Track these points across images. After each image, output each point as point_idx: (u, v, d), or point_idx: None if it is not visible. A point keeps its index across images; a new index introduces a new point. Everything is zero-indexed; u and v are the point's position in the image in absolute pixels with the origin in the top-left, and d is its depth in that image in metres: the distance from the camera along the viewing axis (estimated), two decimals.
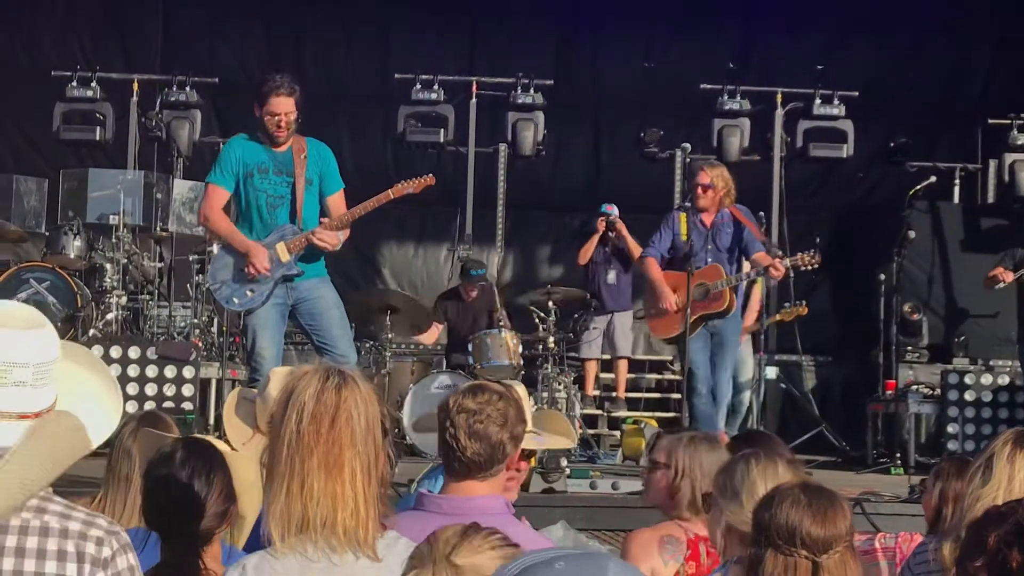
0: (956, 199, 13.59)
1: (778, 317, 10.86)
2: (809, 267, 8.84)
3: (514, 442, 3.18)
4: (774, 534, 2.64)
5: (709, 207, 8.77)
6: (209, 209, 7.47)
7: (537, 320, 10.72)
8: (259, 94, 7.35)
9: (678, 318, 8.64)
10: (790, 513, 2.64)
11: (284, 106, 7.32)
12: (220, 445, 3.51)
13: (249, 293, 7.31)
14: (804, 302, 10.89)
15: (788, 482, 2.87)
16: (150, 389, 9.30)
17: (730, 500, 3.26)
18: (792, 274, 9.28)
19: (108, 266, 10.76)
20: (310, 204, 7.43)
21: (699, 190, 8.76)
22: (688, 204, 9.07)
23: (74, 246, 10.90)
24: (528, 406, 3.56)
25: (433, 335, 11.18)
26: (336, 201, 7.51)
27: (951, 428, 10.44)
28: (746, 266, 8.92)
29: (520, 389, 3.65)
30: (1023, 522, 1.59)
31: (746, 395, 10.56)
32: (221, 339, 10.61)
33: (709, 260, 8.72)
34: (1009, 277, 9.44)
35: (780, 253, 9.70)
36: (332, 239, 7.39)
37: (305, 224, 7.37)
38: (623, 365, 11.94)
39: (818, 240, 9.91)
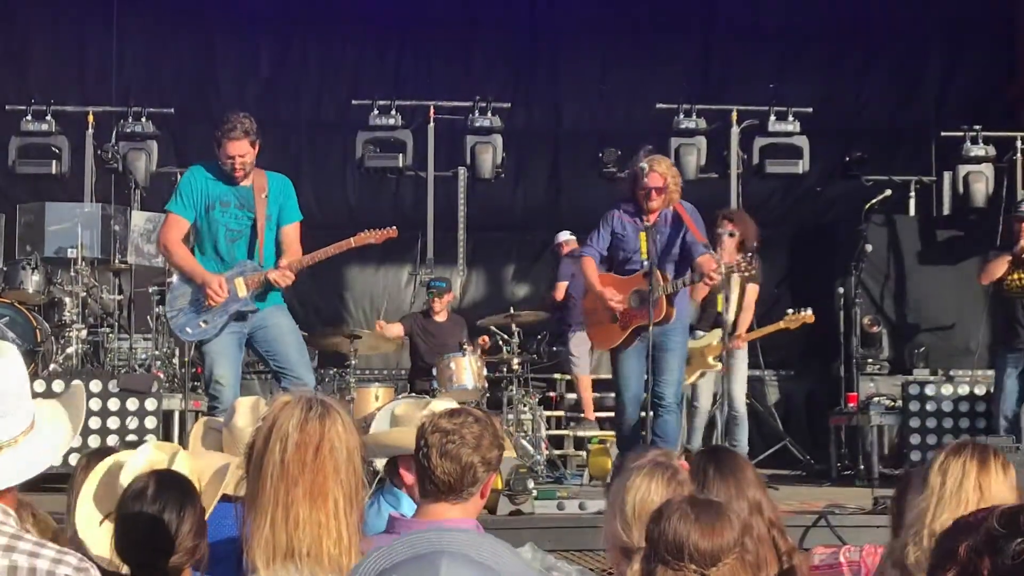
0: (912, 211, 13.71)
1: (782, 324, 10.34)
2: (746, 273, 8.36)
3: (486, 466, 3.18)
4: (663, 549, 2.63)
5: (659, 208, 8.03)
6: (168, 240, 7.51)
7: (501, 343, 10.77)
8: (215, 137, 7.41)
9: (617, 328, 8.06)
10: (678, 527, 2.63)
11: (238, 148, 7.40)
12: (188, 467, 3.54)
13: (203, 324, 7.37)
14: (810, 309, 10.33)
15: (677, 496, 2.86)
16: (112, 423, 9.25)
17: (607, 513, 3.29)
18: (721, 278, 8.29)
19: (67, 300, 10.70)
20: (269, 242, 7.52)
21: (653, 193, 7.98)
22: (629, 206, 8.16)
23: (32, 281, 10.82)
24: None
25: (396, 329, 10.99)
26: (290, 232, 7.56)
27: (913, 439, 10.51)
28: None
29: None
30: (993, 531, 1.57)
31: (742, 407, 10.14)
32: (183, 370, 10.57)
33: (645, 263, 7.97)
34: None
35: (713, 254, 9.45)
36: (286, 281, 7.44)
37: (265, 262, 7.44)
38: (586, 382, 11.90)
39: (756, 245, 9.52)
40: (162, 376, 10.17)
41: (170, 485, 3.16)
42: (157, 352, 10.77)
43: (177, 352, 10.88)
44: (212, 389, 7.33)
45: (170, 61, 14.38)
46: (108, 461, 3.38)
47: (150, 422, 9.34)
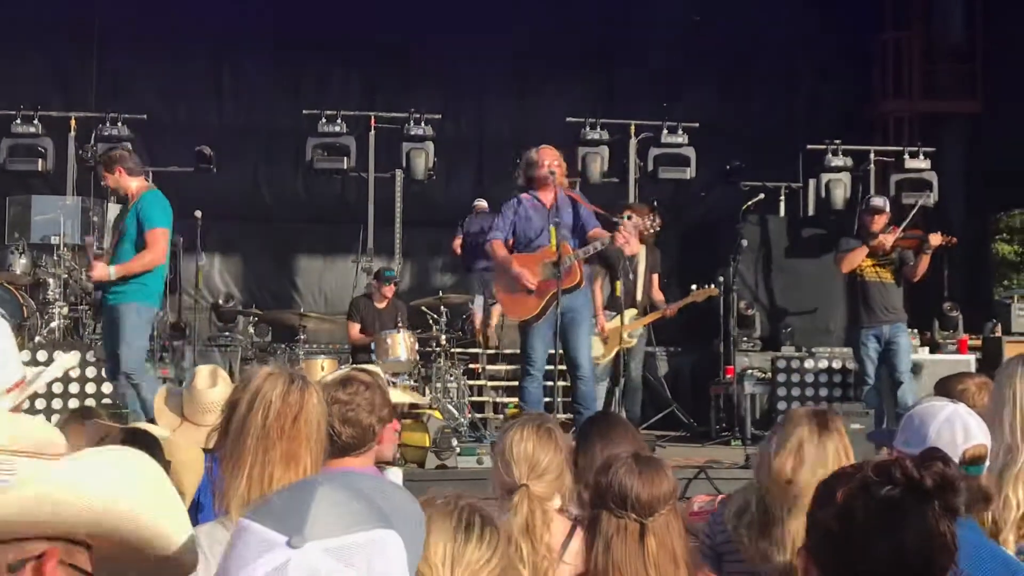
0: (782, 213, 13.87)
1: (691, 298, 10.27)
2: (652, 230, 8.09)
3: (381, 422, 3.19)
4: (608, 498, 2.62)
5: (554, 188, 7.66)
6: None
7: (431, 321, 10.76)
8: None
9: (532, 299, 7.60)
10: (623, 479, 2.62)
11: (105, 180, 7.74)
12: (160, 431, 3.50)
13: None
14: (713, 284, 10.32)
15: (623, 451, 2.86)
16: (90, 388, 9.17)
17: (493, 460, 3.31)
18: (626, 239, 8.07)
19: (51, 281, 10.54)
20: (119, 248, 7.61)
21: (559, 169, 7.69)
22: (530, 191, 7.82)
23: (20, 263, 10.66)
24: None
25: (355, 332, 10.94)
26: (146, 236, 7.53)
27: (780, 405, 10.66)
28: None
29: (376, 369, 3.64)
30: (867, 479, 1.59)
31: (639, 379, 10.21)
32: (152, 343, 10.43)
33: (550, 239, 7.60)
34: (888, 240, 9.13)
35: (621, 221, 9.44)
36: (95, 275, 7.63)
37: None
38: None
39: (655, 203, 9.63)
40: None
41: (135, 439, 3.13)
42: None
43: None
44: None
45: (144, 74, 14.16)
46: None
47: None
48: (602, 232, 7.70)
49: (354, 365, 9.88)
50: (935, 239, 8.97)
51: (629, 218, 8.54)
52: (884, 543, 1.58)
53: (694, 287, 10.29)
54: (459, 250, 12.89)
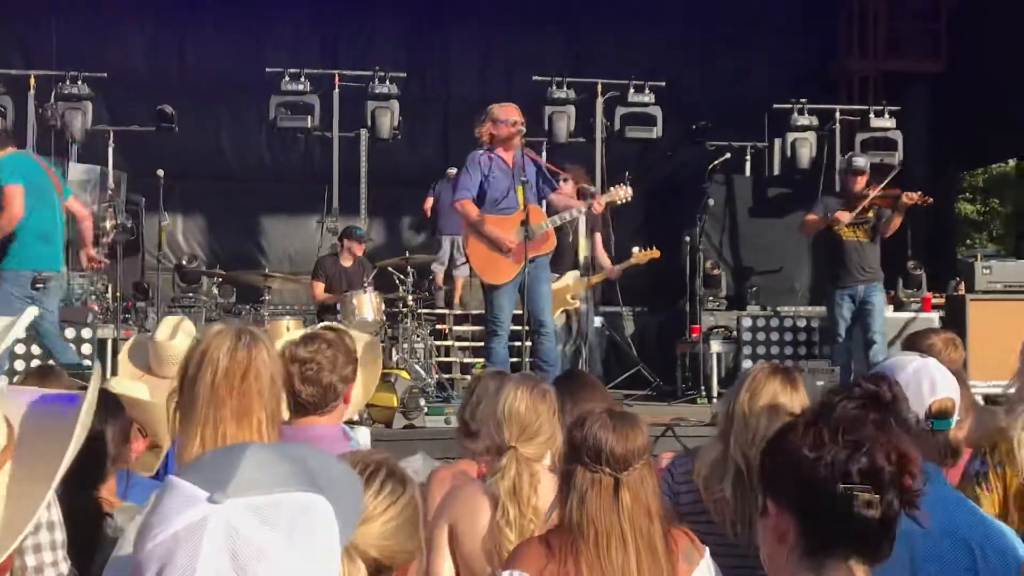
0: (747, 172, 13.88)
1: (633, 261, 10.29)
2: (624, 200, 8.09)
3: (344, 381, 3.16)
4: (583, 453, 2.61)
5: (518, 145, 7.68)
6: None
7: (397, 282, 10.69)
8: None
9: (508, 262, 7.61)
10: (598, 433, 2.61)
11: None
12: (137, 389, 3.49)
13: None
14: (653, 245, 10.30)
15: (597, 406, 2.84)
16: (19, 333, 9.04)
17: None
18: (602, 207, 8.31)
19: None
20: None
21: (517, 127, 7.65)
22: (491, 149, 7.76)
23: None
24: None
25: (320, 291, 10.85)
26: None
27: (746, 364, 10.69)
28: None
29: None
30: (824, 400, 1.68)
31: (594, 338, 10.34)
32: (115, 303, 10.35)
33: (518, 199, 7.60)
34: (846, 218, 9.21)
35: (595, 191, 9.45)
36: None
37: None
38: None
39: (628, 174, 9.64)
40: (96, 308, 9.95)
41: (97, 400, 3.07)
42: (92, 288, 10.49)
43: (110, 287, 10.63)
44: None
45: (105, 33, 13.95)
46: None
47: (86, 348, 9.18)
48: (576, 202, 7.78)
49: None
50: (911, 197, 9.02)
51: (566, 180, 8.56)
52: (856, 456, 1.61)
53: (635, 249, 10.33)
54: (429, 212, 12.89)
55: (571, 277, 9.82)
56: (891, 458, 1.62)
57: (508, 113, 7.75)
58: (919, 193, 9.10)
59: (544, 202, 8.06)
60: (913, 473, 1.64)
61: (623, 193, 8.01)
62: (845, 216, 9.16)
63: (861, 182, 9.31)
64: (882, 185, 9.37)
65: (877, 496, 1.61)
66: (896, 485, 1.62)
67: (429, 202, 12.88)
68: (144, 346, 3.90)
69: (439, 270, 13.16)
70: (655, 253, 10.29)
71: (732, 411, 3.33)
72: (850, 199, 9.29)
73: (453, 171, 12.72)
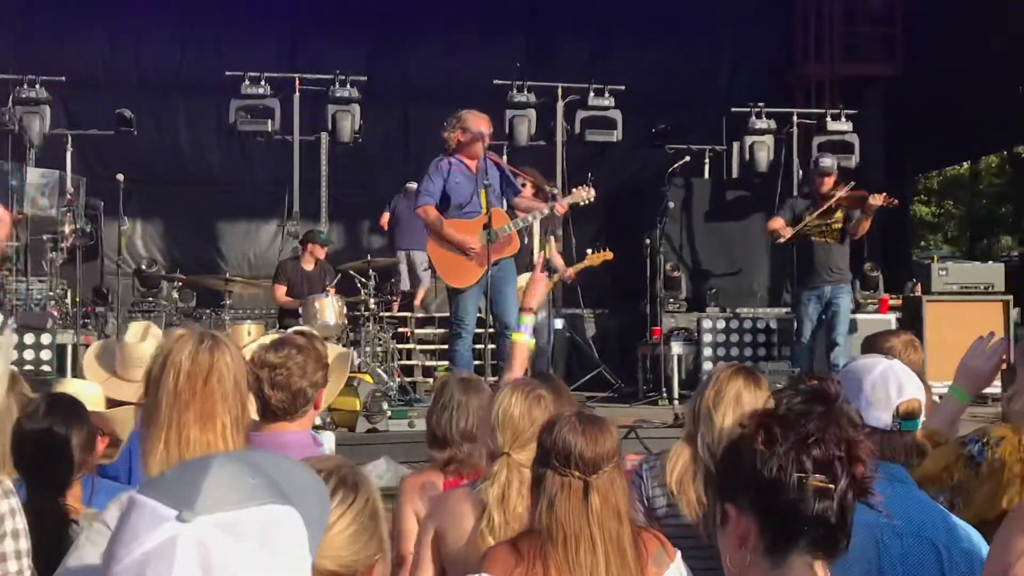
0: (706, 175, 13.94)
1: (586, 262, 10.35)
2: (587, 201, 8.13)
3: (314, 387, 3.14)
4: (552, 456, 2.60)
5: (480, 153, 7.73)
6: None
7: (359, 285, 10.65)
8: None
9: (472, 265, 7.66)
10: (567, 436, 2.59)
11: None
12: (92, 393, 3.46)
13: None
14: (606, 248, 10.37)
15: (566, 410, 2.83)
16: (12, 354, 8.94)
17: (481, 423, 3.30)
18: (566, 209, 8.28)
19: None
20: None
21: (484, 140, 7.74)
22: (455, 155, 7.85)
23: None
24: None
25: (281, 294, 10.77)
26: None
27: (706, 366, 10.75)
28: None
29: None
30: (775, 394, 1.74)
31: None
32: (75, 309, 10.24)
33: (481, 203, 7.68)
34: (788, 233, 9.38)
35: (558, 192, 9.48)
36: None
37: None
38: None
39: (591, 176, 9.62)
40: (56, 314, 9.84)
41: (59, 406, 3.05)
42: (51, 293, 10.38)
43: (69, 293, 10.52)
44: None
45: (63, 36, 13.79)
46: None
47: (45, 354, 9.09)
48: (540, 203, 7.82)
49: (284, 329, 9.84)
50: (877, 199, 9.11)
51: (524, 186, 8.61)
52: (807, 447, 1.64)
53: (589, 251, 10.40)
54: (386, 226, 12.78)
55: (525, 279, 9.80)
56: (841, 447, 1.65)
57: (478, 124, 7.81)
58: (884, 195, 9.20)
59: (508, 205, 8.10)
60: (864, 460, 1.67)
61: (586, 194, 8.07)
62: (787, 232, 9.29)
63: (828, 183, 9.40)
64: (848, 186, 9.47)
65: (832, 485, 1.64)
66: (848, 473, 1.65)
67: (385, 217, 12.80)
68: (111, 349, 3.88)
69: (403, 283, 13.13)
70: (608, 255, 10.38)
71: (697, 411, 3.36)
72: (817, 200, 9.37)
73: (412, 185, 12.68)
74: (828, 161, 9.73)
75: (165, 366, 2.55)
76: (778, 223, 9.55)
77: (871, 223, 9.47)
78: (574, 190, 8.22)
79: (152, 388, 2.57)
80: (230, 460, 1.20)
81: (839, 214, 9.32)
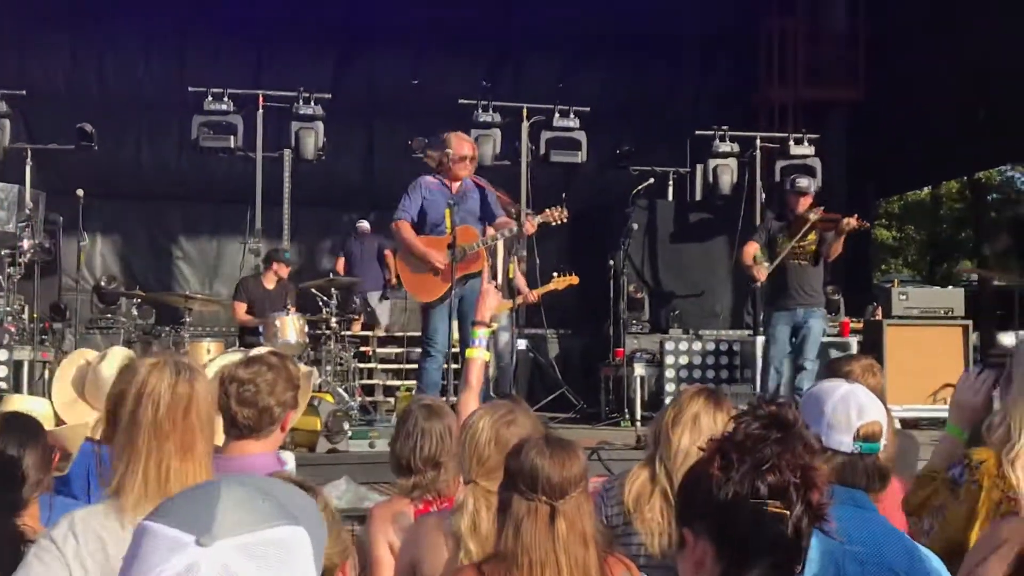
0: (670, 197, 14.01)
1: (551, 286, 10.35)
2: (559, 222, 8.21)
3: (282, 407, 3.11)
4: (519, 480, 2.56)
5: (464, 175, 7.90)
6: None
7: (320, 304, 10.60)
8: None
9: (438, 281, 7.74)
10: (534, 460, 2.56)
11: None
12: (41, 409, 3.41)
13: None
14: (572, 272, 10.38)
15: (534, 433, 2.80)
16: None
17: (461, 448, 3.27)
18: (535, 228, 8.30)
19: None
20: None
21: (469, 162, 7.91)
22: (437, 174, 8.00)
23: None
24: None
25: (241, 312, 10.68)
26: None
27: (669, 387, 10.79)
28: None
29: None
30: (735, 423, 1.73)
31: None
32: (32, 324, 10.11)
33: (457, 222, 7.75)
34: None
35: (530, 212, 9.49)
36: None
37: None
38: None
39: (564, 196, 9.66)
40: (13, 330, 9.70)
41: (13, 427, 3.00)
42: (8, 308, 10.24)
43: (27, 309, 10.39)
44: None
45: (24, 49, 13.69)
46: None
47: (1, 371, 8.94)
48: (509, 221, 7.86)
49: (244, 347, 9.76)
50: (851, 222, 9.16)
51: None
52: (762, 473, 1.65)
53: (555, 274, 10.40)
54: (342, 271, 12.81)
55: None
56: (796, 473, 1.66)
57: (462, 148, 7.95)
58: (856, 217, 9.25)
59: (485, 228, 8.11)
60: (819, 487, 1.68)
61: (558, 215, 8.15)
62: (749, 253, 9.32)
63: (804, 203, 9.44)
64: (822, 208, 9.53)
65: (787, 511, 1.65)
66: (803, 500, 1.66)
67: (341, 262, 12.80)
68: (84, 373, 3.82)
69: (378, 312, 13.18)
70: (574, 279, 10.38)
71: (658, 432, 3.37)
72: (791, 220, 9.41)
73: (363, 225, 12.74)
74: (805, 181, 9.78)
75: (142, 399, 2.51)
76: (753, 247, 9.54)
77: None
78: (547, 210, 8.26)
79: (127, 420, 2.52)
80: (235, 484, 1.22)
81: (812, 236, 9.37)
